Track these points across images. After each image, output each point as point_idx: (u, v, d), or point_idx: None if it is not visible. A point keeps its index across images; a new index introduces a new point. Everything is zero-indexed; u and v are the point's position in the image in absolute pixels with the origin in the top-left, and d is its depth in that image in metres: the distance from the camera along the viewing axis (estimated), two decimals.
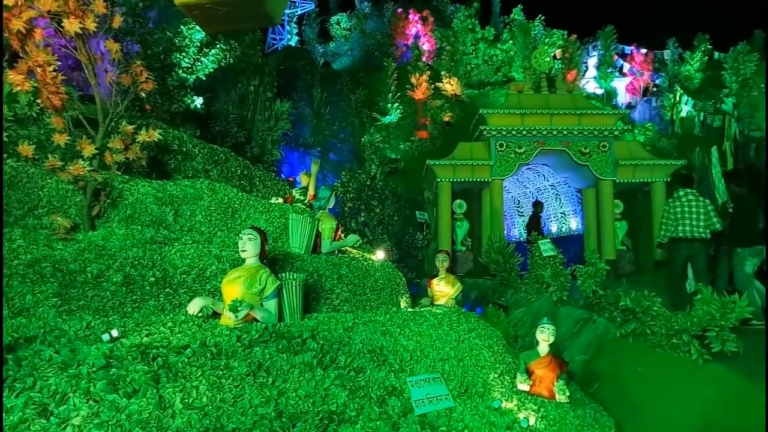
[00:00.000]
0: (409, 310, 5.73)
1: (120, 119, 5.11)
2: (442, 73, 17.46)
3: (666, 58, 20.75)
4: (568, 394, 4.91)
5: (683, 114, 17.80)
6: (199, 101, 9.75)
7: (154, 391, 2.94)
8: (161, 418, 2.81)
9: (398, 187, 12.96)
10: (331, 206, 6.32)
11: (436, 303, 6.64)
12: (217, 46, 9.97)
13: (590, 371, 6.29)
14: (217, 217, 5.75)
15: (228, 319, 4.06)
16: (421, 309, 5.86)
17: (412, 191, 13.60)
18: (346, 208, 11.10)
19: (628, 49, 21.23)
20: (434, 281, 6.86)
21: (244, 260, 4.43)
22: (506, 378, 5.03)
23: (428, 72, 17.22)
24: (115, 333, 3.43)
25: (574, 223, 14.61)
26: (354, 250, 6.51)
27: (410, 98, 16.52)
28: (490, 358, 5.03)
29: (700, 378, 5.12)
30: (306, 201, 7.10)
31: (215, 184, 6.08)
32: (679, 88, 18.59)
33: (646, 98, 19.67)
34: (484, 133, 12.49)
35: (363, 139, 13.13)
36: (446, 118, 16.47)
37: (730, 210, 7.21)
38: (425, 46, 19.04)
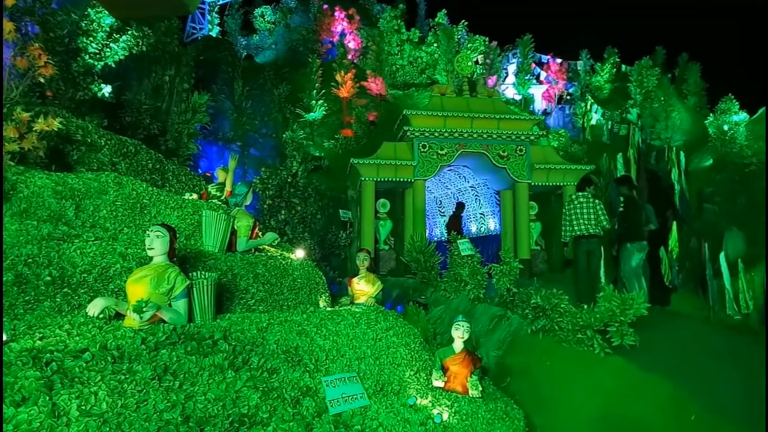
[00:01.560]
0: (328, 309, 5.68)
1: (14, 105, 4.69)
2: (368, 72, 17.47)
3: (579, 68, 21.84)
4: (480, 389, 5.05)
5: (593, 122, 18.83)
6: (107, 89, 9.10)
7: (47, 398, 2.73)
8: (54, 427, 2.61)
9: (322, 185, 12.83)
10: (248, 203, 6.15)
11: (356, 302, 6.63)
12: (129, 32, 9.35)
13: (503, 366, 6.50)
14: (124, 212, 5.43)
15: (132, 320, 3.84)
16: (340, 308, 5.83)
17: (335, 189, 13.51)
18: (265, 206, 10.82)
19: (545, 58, 22.19)
20: (354, 280, 6.85)
21: (151, 258, 4.21)
22: (422, 375, 5.11)
23: (353, 70, 17.17)
24: (3, 337, 3.16)
25: (492, 224, 15.09)
26: (272, 249, 6.38)
27: (335, 96, 16.41)
28: (406, 355, 5.08)
29: (602, 370, 5.45)
30: (223, 197, 6.87)
31: (122, 178, 5.73)
32: (590, 98, 19.66)
33: (560, 106, 20.64)
34: (408, 133, 12.64)
35: (284, 135, 12.86)
36: (371, 118, 16.51)
37: (621, 209, 7.99)
38: (351, 44, 18.98)
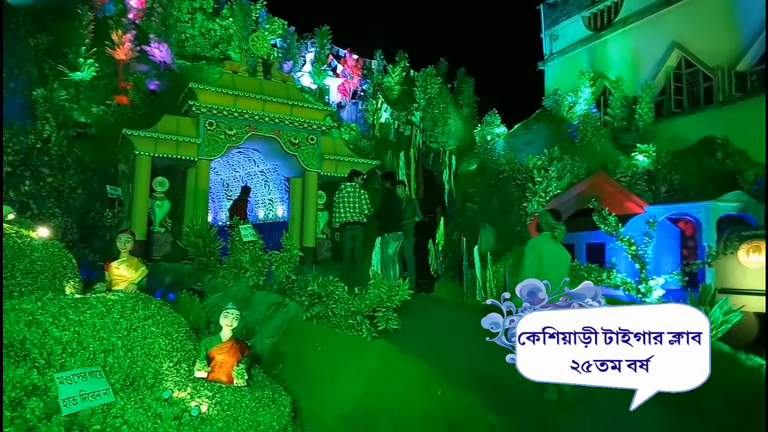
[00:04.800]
0: (77, 296, 4.97)
1: None
2: (151, 36, 15.82)
3: (373, 67, 22.85)
4: (246, 377, 4.90)
5: (382, 120, 19.87)
6: None
7: None
8: None
9: (86, 156, 11.19)
10: None
11: (114, 288, 5.91)
12: None
13: (277, 353, 6.47)
14: None
15: None
16: (92, 295, 5.14)
17: (103, 162, 11.93)
18: (3, 174, 8.98)
19: (342, 51, 22.73)
20: (114, 264, 6.11)
21: None
22: (183, 366, 4.76)
23: (134, 31, 15.36)
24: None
25: (280, 210, 14.98)
26: (6, 225, 5.33)
27: (110, 57, 14.47)
28: (166, 346, 4.68)
29: (367, 353, 5.73)
30: None
31: None
32: (381, 97, 20.69)
33: (354, 100, 21.34)
34: (194, 108, 11.77)
35: (35, 93, 10.80)
36: (152, 87, 14.99)
37: (381, 202, 8.88)
38: (133, 2, 16.85)
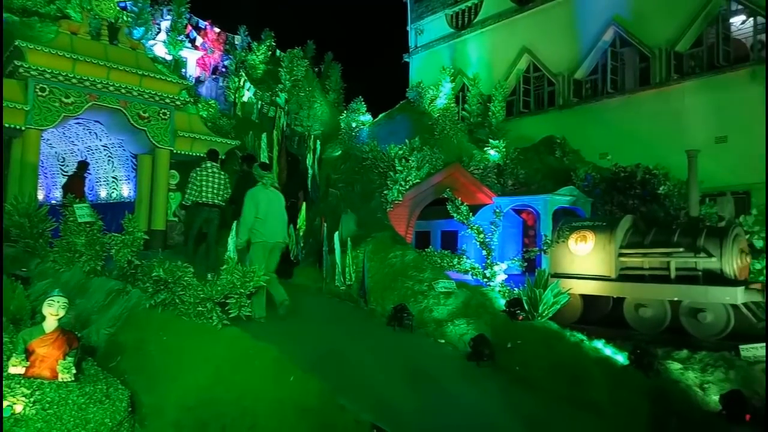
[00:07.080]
0: None
1: None
2: None
3: (237, 43, 21.85)
4: (74, 372, 4.42)
5: (245, 99, 19.08)
6: None
7: None
8: None
9: None
10: None
11: None
12: None
13: (116, 344, 5.99)
14: None
15: None
16: None
17: None
18: None
19: (203, 23, 21.38)
20: None
21: None
22: None
23: None
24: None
25: (126, 190, 13.76)
26: None
27: None
28: None
29: (217, 341, 5.52)
30: None
31: None
32: (244, 74, 19.84)
33: (214, 76, 20.23)
34: (21, 70, 10.25)
35: None
36: None
37: (238, 185, 8.76)
38: None
